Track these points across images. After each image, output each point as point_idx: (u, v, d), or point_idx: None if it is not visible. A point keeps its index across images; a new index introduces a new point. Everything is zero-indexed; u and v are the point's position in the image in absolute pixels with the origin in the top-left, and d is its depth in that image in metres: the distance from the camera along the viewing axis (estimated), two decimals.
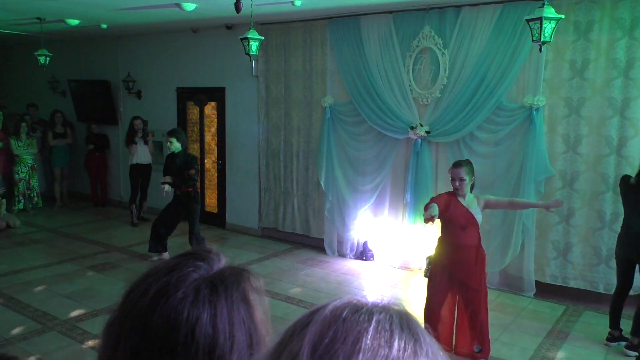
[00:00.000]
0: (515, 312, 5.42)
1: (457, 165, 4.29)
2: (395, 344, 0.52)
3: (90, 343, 4.58)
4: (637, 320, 4.46)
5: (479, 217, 4.25)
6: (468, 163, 4.33)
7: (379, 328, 0.53)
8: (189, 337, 0.74)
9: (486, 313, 4.31)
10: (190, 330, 0.74)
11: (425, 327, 0.57)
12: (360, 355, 0.51)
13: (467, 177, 4.21)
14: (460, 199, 4.25)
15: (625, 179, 4.56)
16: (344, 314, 0.55)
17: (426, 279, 6.30)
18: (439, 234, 4.44)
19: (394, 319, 0.55)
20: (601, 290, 5.44)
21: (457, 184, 4.22)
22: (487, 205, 4.39)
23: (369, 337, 0.52)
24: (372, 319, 0.54)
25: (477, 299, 4.26)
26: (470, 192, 4.31)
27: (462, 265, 4.26)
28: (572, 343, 4.78)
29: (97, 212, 9.64)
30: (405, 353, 0.52)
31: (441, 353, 0.56)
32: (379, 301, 0.58)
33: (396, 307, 0.57)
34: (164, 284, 0.78)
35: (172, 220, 6.67)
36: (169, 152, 6.63)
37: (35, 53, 8.09)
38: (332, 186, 7.11)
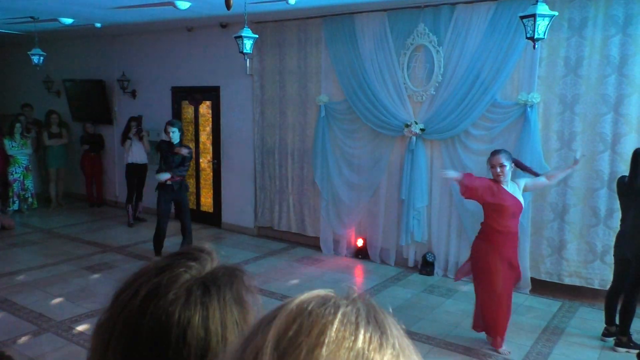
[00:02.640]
0: (511, 308, 5.41)
1: (496, 152, 4.29)
2: (361, 336, 0.52)
3: (86, 344, 4.57)
4: (623, 318, 4.50)
5: (524, 203, 4.30)
6: (506, 150, 4.35)
7: (345, 320, 0.53)
8: (181, 340, 0.72)
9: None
10: (181, 333, 0.72)
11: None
12: (324, 347, 0.50)
13: (507, 163, 4.20)
14: (504, 187, 4.24)
15: (622, 179, 4.59)
16: (310, 307, 0.54)
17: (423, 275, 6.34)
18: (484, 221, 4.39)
19: (361, 311, 0.54)
20: (596, 287, 5.45)
21: (499, 170, 4.19)
22: (526, 189, 4.39)
23: (334, 329, 0.52)
24: (338, 311, 0.54)
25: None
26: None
27: (510, 251, 4.30)
28: (568, 339, 4.79)
29: (92, 212, 9.60)
30: (371, 345, 0.52)
31: (411, 348, 0.55)
32: (346, 294, 0.58)
33: (364, 300, 0.57)
34: (154, 285, 0.76)
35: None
36: (163, 141, 6.65)
37: (29, 52, 8.05)
38: (327, 184, 7.10)
